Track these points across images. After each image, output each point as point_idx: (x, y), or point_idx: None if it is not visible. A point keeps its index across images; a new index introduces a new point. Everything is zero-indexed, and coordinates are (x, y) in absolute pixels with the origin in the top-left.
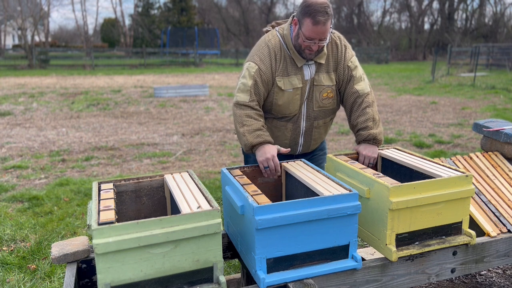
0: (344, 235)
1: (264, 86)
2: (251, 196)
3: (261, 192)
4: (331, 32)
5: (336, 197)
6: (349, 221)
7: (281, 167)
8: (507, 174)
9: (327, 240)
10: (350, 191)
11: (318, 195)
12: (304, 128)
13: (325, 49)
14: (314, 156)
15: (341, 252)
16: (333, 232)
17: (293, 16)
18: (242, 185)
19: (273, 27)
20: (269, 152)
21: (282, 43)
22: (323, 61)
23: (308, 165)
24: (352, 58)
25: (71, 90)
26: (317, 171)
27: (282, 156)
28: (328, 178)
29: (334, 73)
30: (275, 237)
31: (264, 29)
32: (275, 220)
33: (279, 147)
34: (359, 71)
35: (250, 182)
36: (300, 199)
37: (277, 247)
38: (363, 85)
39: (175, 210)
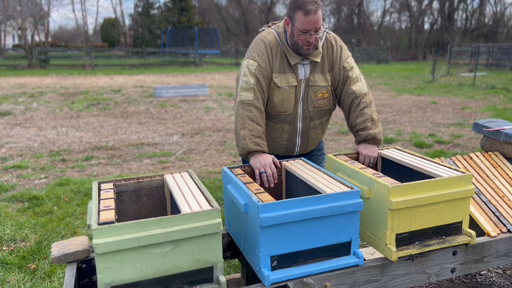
0: (346, 232)
1: (266, 82)
2: (255, 194)
3: (264, 190)
4: (327, 32)
5: (339, 194)
6: (351, 218)
7: (281, 165)
8: (507, 174)
9: (330, 237)
10: (351, 188)
11: (320, 193)
12: (300, 128)
13: (320, 47)
14: (312, 156)
15: (344, 249)
16: (335, 229)
17: (285, 17)
18: (244, 184)
19: (268, 27)
20: (267, 160)
21: (278, 39)
22: (318, 59)
23: (308, 163)
24: (348, 59)
25: (71, 90)
26: (318, 169)
27: (281, 157)
28: (329, 176)
29: (329, 74)
30: (279, 235)
31: (260, 30)
32: (280, 217)
33: (274, 157)
34: (356, 71)
35: (252, 181)
36: (303, 197)
37: (281, 245)
38: (360, 85)
39: (175, 210)
